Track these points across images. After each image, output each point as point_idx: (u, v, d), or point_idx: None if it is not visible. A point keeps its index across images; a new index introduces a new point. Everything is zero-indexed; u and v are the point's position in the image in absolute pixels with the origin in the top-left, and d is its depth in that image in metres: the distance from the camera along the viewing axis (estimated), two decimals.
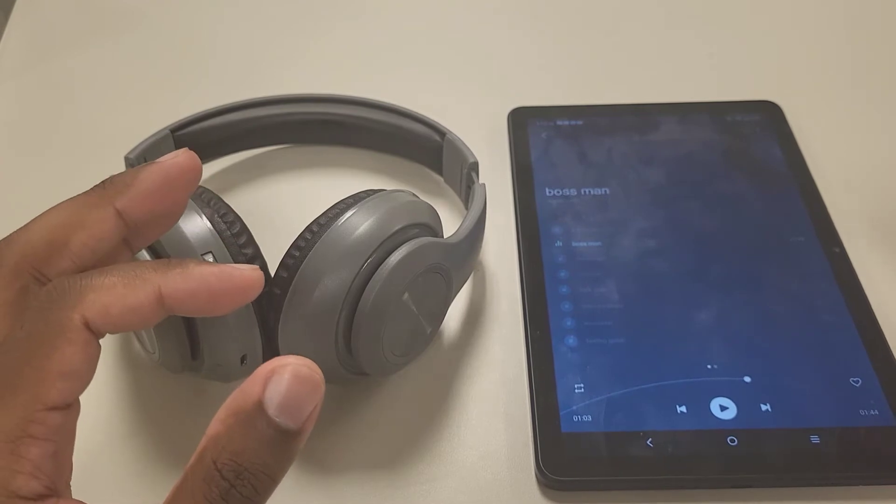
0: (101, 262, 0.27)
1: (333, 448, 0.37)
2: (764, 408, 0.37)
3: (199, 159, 0.28)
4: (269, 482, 0.23)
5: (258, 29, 0.60)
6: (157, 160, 0.28)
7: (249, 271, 0.27)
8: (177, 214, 0.29)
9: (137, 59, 0.58)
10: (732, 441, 0.36)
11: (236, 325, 0.34)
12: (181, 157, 0.28)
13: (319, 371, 0.24)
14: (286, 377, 0.23)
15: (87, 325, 0.24)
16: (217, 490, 0.22)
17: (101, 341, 0.38)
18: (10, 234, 0.26)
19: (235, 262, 0.34)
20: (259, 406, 0.23)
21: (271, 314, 0.35)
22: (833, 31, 0.59)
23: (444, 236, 0.38)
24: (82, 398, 0.40)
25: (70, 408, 0.24)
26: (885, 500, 0.35)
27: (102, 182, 0.27)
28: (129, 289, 0.25)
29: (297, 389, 0.23)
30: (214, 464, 0.23)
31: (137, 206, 0.27)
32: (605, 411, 0.37)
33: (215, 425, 0.23)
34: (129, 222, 0.27)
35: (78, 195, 0.27)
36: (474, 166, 0.43)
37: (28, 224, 0.27)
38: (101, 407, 0.39)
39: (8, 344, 0.24)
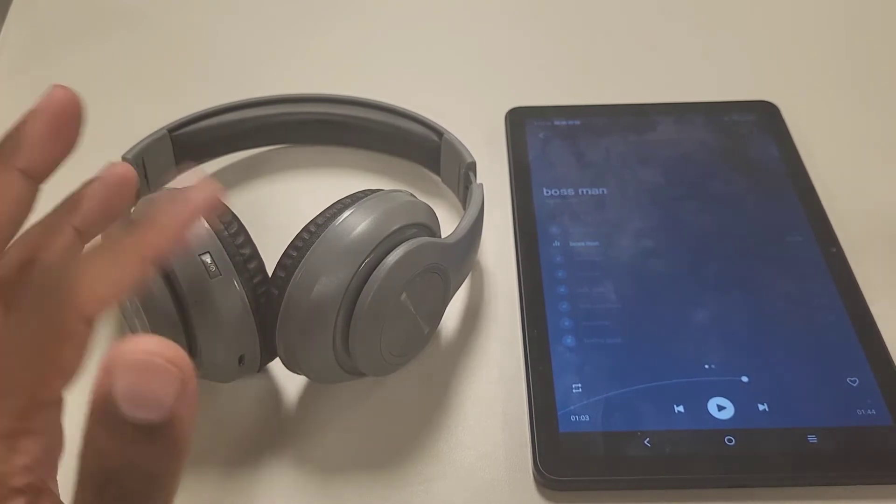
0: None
1: (331, 448, 0.37)
2: (761, 407, 0.37)
3: (70, 91, 0.28)
4: (148, 481, 0.21)
5: (256, 29, 0.60)
6: (36, 108, 0.28)
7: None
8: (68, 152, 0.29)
9: (135, 58, 0.58)
10: (730, 441, 0.36)
11: (234, 326, 0.34)
12: (59, 92, 0.28)
13: (170, 349, 0.21)
14: (127, 368, 0.20)
15: (86, 321, 0.23)
16: (90, 493, 0.21)
17: (96, 340, 0.37)
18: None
19: (233, 263, 0.34)
20: (110, 402, 0.20)
21: (269, 314, 0.35)
22: (830, 32, 0.59)
23: (442, 236, 0.38)
24: (81, 399, 0.40)
25: (62, 401, 0.24)
26: (882, 499, 0.35)
27: None
28: (121, 271, 0.24)
29: (143, 379, 0.20)
30: (84, 467, 0.21)
31: (38, 159, 0.28)
32: (602, 411, 0.37)
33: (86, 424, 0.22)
34: (38, 180, 0.28)
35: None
36: (472, 166, 0.43)
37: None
38: None
39: (3, 339, 0.23)
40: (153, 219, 0.25)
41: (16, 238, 0.28)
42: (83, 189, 0.30)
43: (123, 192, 0.30)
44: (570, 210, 0.45)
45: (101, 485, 0.21)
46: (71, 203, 0.29)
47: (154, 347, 0.20)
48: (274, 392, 0.39)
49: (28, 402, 0.23)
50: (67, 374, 0.23)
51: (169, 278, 0.34)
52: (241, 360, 0.35)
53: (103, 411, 0.20)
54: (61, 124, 0.28)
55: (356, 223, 0.34)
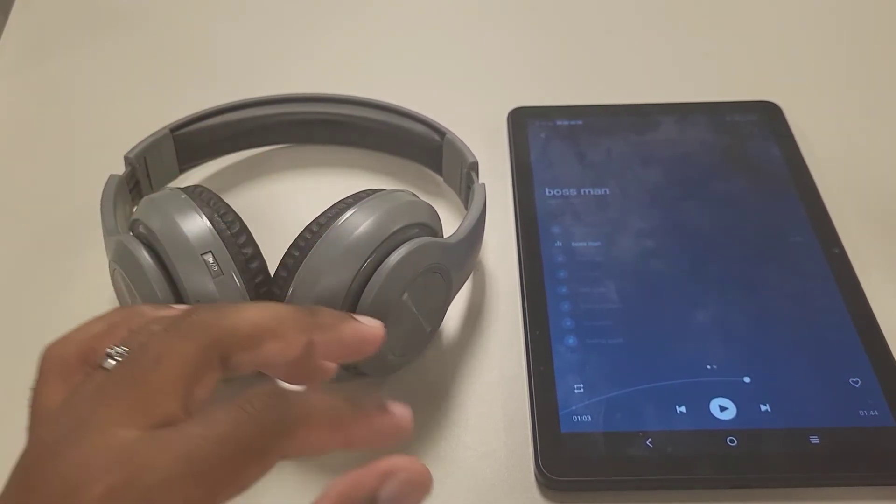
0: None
1: None
2: (763, 408, 0.37)
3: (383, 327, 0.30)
4: None
5: (258, 28, 0.60)
6: (358, 322, 0.29)
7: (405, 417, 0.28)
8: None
9: (136, 58, 0.58)
10: (732, 441, 0.36)
11: None
12: (377, 332, 0.30)
13: (429, 474, 0.25)
14: (402, 479, 0.25)
15: (283, 457, 0.24)
16: None
17: None
18: (223, 314, 0.27)
19: (235, 262, 0.34)
20: (371, 501, 0.24)
21: None
22: (832, 32, 0.59)
23: (444, 236, 0.38)
24: None
25: None
26: (884, 500, 0.35)
27: (312, 309, 0.29)
28: (330, 436, 0.25)
29: (409, 491, 0.25)
30: None
31: (327, 349, 0.29)
32: (604, 411, 0.37)
33: None
34: (315, 354, 0.28)
35: (289, 307, 0.28)
36: (474, 166, 0.43)
37: (238, 310, 0.27)
38: None
39: (218, 438, 0.23)
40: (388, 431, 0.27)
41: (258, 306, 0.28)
42: (342, 319, 0.29)
43: (364, 351, 0.30)
44: (571, 210, 0.45)
45: None
46: (325, 322, 0.29)
47: (422, 467, 0.25)
48: None
49: (206, 498, 0.23)
50: (242, 491, 0.24)
51: (171, 278, 0.34)
52: None
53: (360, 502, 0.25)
54: (360, 348, 0.30)
55: (358, 223, 0.34)
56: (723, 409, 0.37)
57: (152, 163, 0.44)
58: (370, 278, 0.34)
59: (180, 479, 0.22)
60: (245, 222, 0.36)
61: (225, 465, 0.23)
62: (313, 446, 0.25)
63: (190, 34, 0.60)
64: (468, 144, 0.44)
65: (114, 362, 0.26)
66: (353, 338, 0.29)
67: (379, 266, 0.34)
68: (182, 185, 0.38)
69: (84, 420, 0.24)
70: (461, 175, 0.44)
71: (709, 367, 0.38)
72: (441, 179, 0.47)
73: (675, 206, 0.46)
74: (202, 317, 0.26)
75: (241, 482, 0.24)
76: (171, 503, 0.22)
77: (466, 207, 0.43)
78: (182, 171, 0.47)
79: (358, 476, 0.25)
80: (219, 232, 0.34)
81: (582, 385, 0.38)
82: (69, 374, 0.27)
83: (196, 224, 0.34)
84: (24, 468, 0.24)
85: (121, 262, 0.35)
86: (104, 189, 0.40)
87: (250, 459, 0.24)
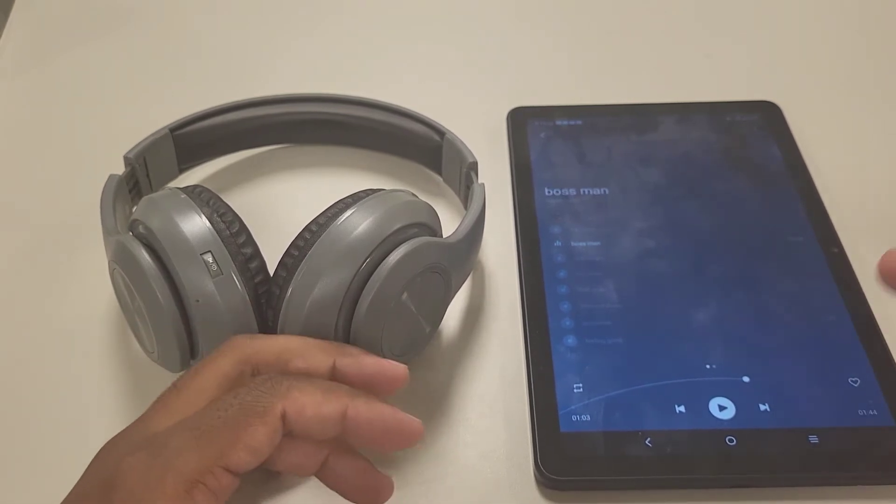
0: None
1: None
2: (763, 408, 0.37)
3: (407, 373, 0.33)
4: None
5: (257, 28, 0.60)
6: (380, 358, 0.33)
7: (416, 425, 0.31)
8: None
9: (136, 58, 0.58)
10: (731, 441, 0.36)
11: (235, 325, 0.34)
12: (399, 370, 0.33)
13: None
14: None
15: (283, 416, 0.29)
16: None
17: (99, 339, 0.39)
18: (255, 338, 0.33)
19: (234, 262, 0.34)
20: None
21: (270, 313, 0.35)
22: (832, 32, 0.59)
23: (444, 236, 0.38)
24: (83, 397, 0.40)
25: (238, 477, 0.28)
26: (884, 500, 0.35)
27: (339, 343, 0.34)
28: (325, 399, 0.30)
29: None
30: None
31: (351, 375, 0.33)
32: (603, 411, 0.37)
33: None
34: (338, 378, 0.33)
35: (317, 340, 0.33)
36: (473, 166, 0.43)
37: (269, 337, 0.33)
38: (100, 405, 0.39)
39: (221, 406, 0.29)
40: (367, 386, 0.32)
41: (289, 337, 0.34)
42: (364, 354, 0.33)
43: (385, 388, 0.33)
44: (571, 210, 0.45)
45: None
46: (348, 351, 0.33)
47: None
48: None
49: (215, 457, 0.27)
50: (254, 451, 0.28)
51: (171, 277, 0.34)
52: None
53: None
54: (382, 385, 0.34)
55: (357, 223, 0.34)
56: (722, 408, 0.37)
57: (152, 163, 0.44)
58: (369, 278, 0.34)
59: (193, 444, 0.28)
60: (244, 222, 0.36)
61: (229, 426, 0.28)
62: (309, 407, 0.29)
63: (189, 34, 0.60)
64: (468, 144, 0.44)
65: None
66: (375, 369, 0.32)
67: (378, 266, 0.34)
68: (182, 185, 0.38)
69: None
70: (461, 175, 0.44)
71: (708, 366, 0.38)
72: (440, 179, 0.47)
73: (675, 205, 0.46)
74: (237, 340, 0.32)
75: (249, 441, 0.28)
76: (189, 465, 0.27)
77: (466, 207, 0.43)
78: (182, 171, 0.47)
79: None
80: (218, 232, 0.34)
81: (581, 385, 0.38)
82: None
83: (195, 224, 0.34)
84: (104, 450, 0.31)
85: (120, 261, 0.35)
86: (104, 189, 0.40)
87: (251, 417, 0.28)
